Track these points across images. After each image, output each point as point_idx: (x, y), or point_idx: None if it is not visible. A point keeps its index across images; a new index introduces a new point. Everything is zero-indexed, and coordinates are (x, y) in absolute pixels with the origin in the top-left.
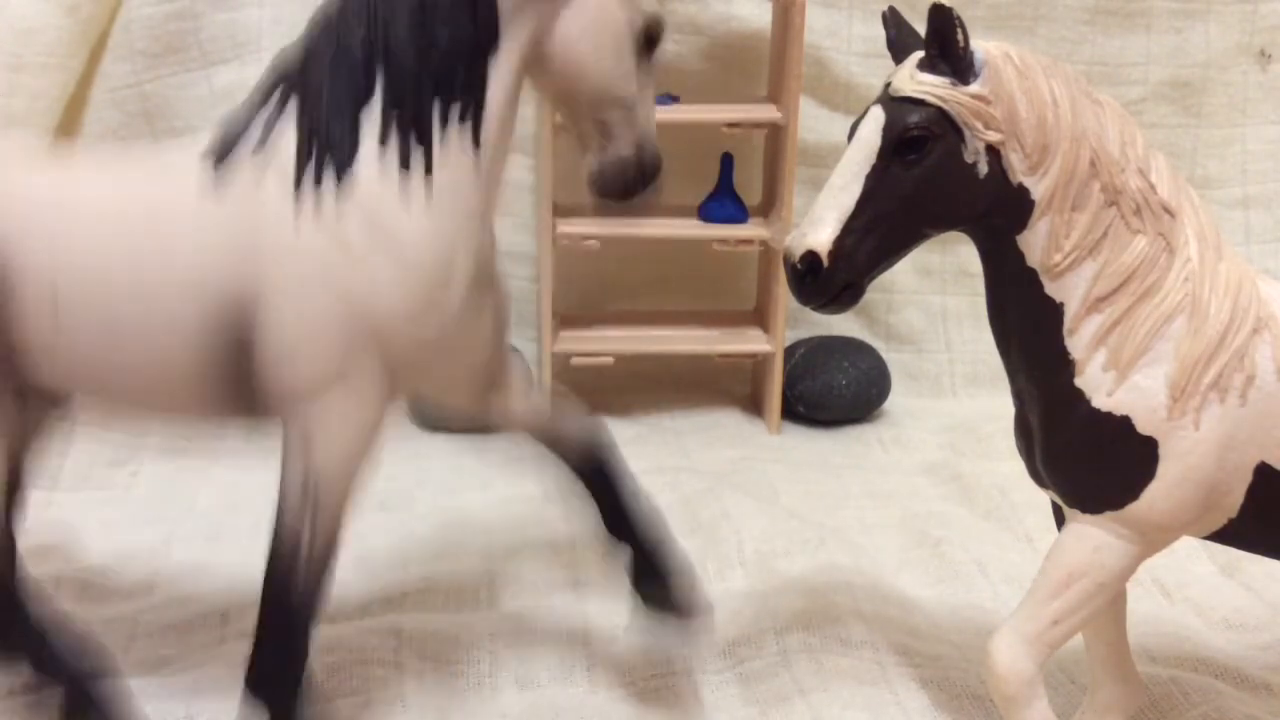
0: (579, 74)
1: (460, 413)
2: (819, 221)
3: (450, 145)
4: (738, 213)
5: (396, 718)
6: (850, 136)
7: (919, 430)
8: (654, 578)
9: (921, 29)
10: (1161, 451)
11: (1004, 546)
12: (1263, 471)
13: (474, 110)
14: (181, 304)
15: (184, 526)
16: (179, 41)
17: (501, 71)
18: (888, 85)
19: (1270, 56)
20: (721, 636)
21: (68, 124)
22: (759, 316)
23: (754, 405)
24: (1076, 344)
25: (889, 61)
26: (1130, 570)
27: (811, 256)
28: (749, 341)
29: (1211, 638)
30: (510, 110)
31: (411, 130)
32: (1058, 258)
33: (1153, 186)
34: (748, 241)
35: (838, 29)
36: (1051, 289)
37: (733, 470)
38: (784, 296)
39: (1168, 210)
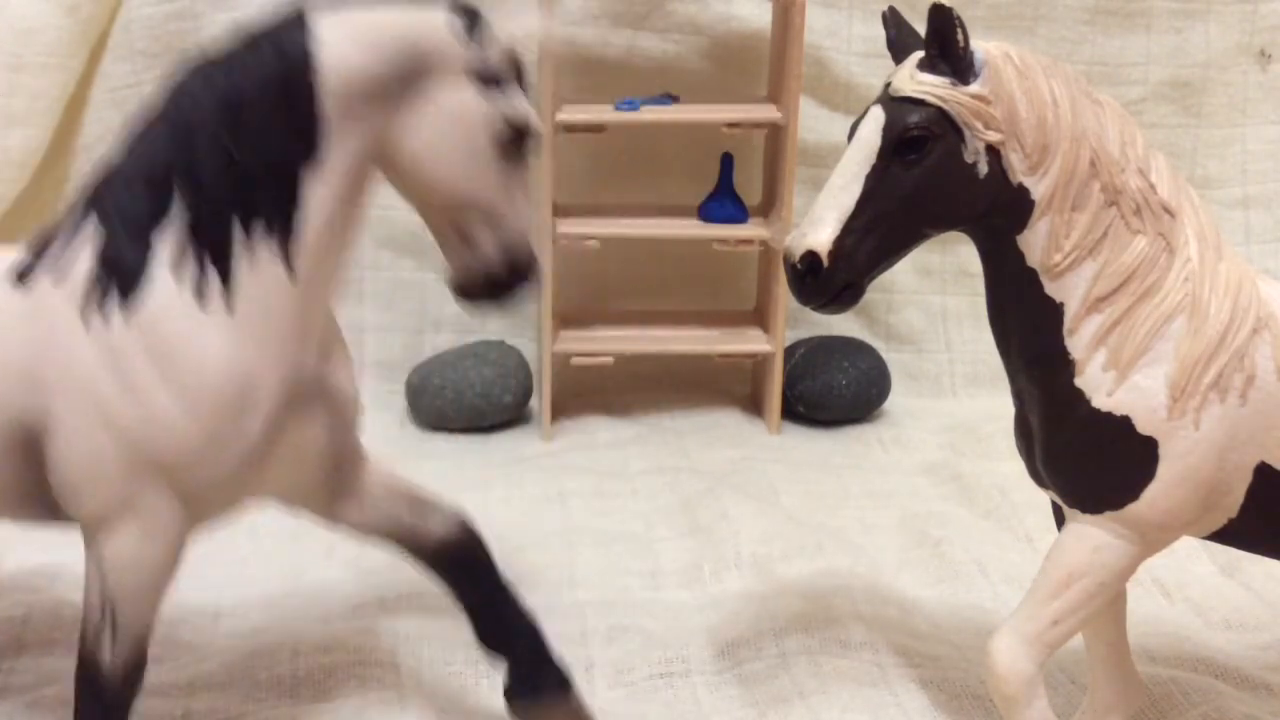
0: (427, 185)
1: (303, 513)
2: (819, 221)
3: (256, 268)
4: (738, 213)
5: (394, 718)
6: (850, 136)
7: (919, 430)
8: (532, 693)
9: (921, 29)
10: (1161, 452)
11: (1004, 546)
12: (1263, 471)
13: (282, 231)
14: None
15: None
16: (179, 41)
17: (323, 186)
18: (888, 85)
19: (1270, 56)
20: (720, 638)
21: (68, 124)
22: (759, 316)
23: (754, 405)
24: (1076, 344)
25: (889, 61)
26: (1130, 570)
27: (811, 256)
28: (749, 341)
29: (1211, 638)
30: (341, 224)
31: (208, 256)
32: (1058, 258)
33: (1153, 186)
34: (748, 241)
35: (838, 29)
36: (1051, 289)
37: (732, 470)
38: (784, 296)
39: (1168, 210)
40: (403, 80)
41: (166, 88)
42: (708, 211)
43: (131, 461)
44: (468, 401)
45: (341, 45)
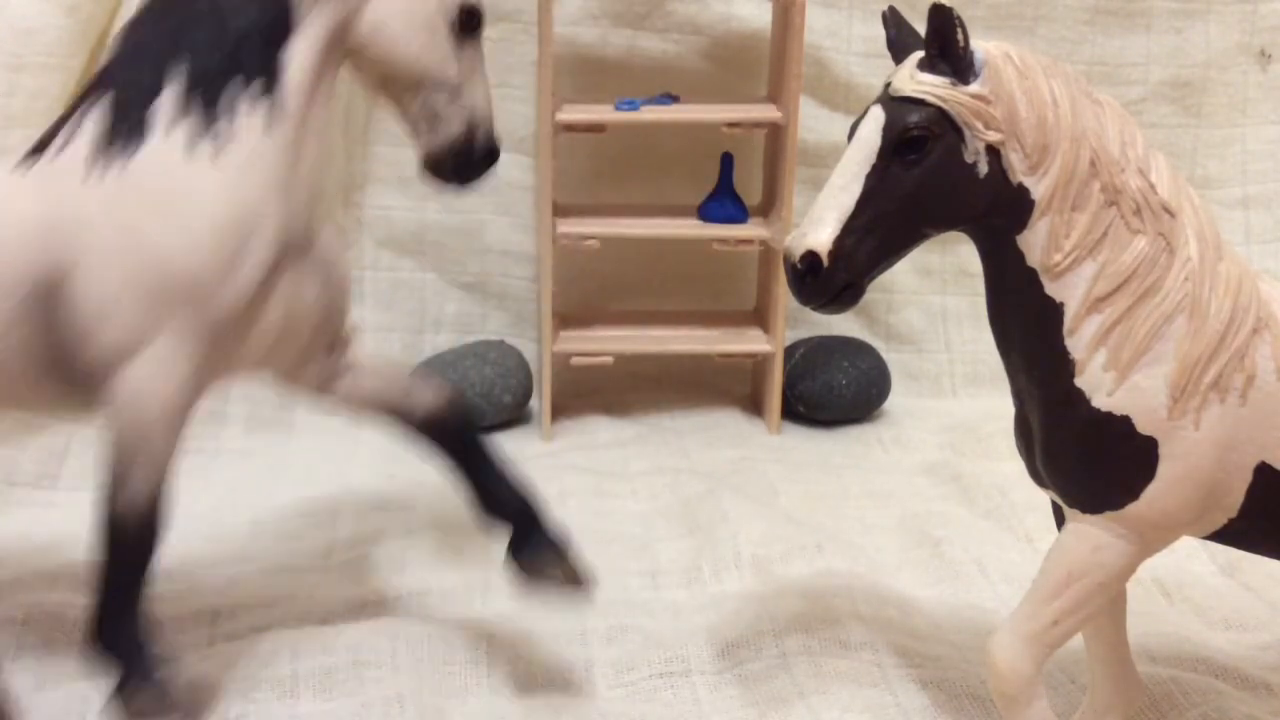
0: (390, 59)
1: (301, 392)
2: (819, 221)
3: (246, 122)
4: (738, 213)
5: (392, 718)
6: (850, 136)
7: (919, 430)
8: (531, 549)
9: (921, 29)
10: (1161, 452)
11: (1004, 546)
12: (1263, 471)
13: (268, 90)
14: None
15: (181, 525)
16: None
17: (301, 52)
18: (888, 85)
19: (1270, 56)
20: (720, 638)
21: None
22: (759, 316)
23: (754, 405)
24: (1076, 344)
25: (889, 61)
26: (1130, 570)
27: (811, 256)
28: (749, 341)
29: (1211, 638)
30: (317, 88)
31: (200, 114)
32: (1058, 258)
33: (1153, 186)
34: (748, 241)
35: (838, 29)
36: (1051, 289)
37: (732, 470)
38: (784, 296)
39: (1168, 210)
40: None
41: None
42: (708, 211)
43: (152, 286)
44: (467, 401)
45: None
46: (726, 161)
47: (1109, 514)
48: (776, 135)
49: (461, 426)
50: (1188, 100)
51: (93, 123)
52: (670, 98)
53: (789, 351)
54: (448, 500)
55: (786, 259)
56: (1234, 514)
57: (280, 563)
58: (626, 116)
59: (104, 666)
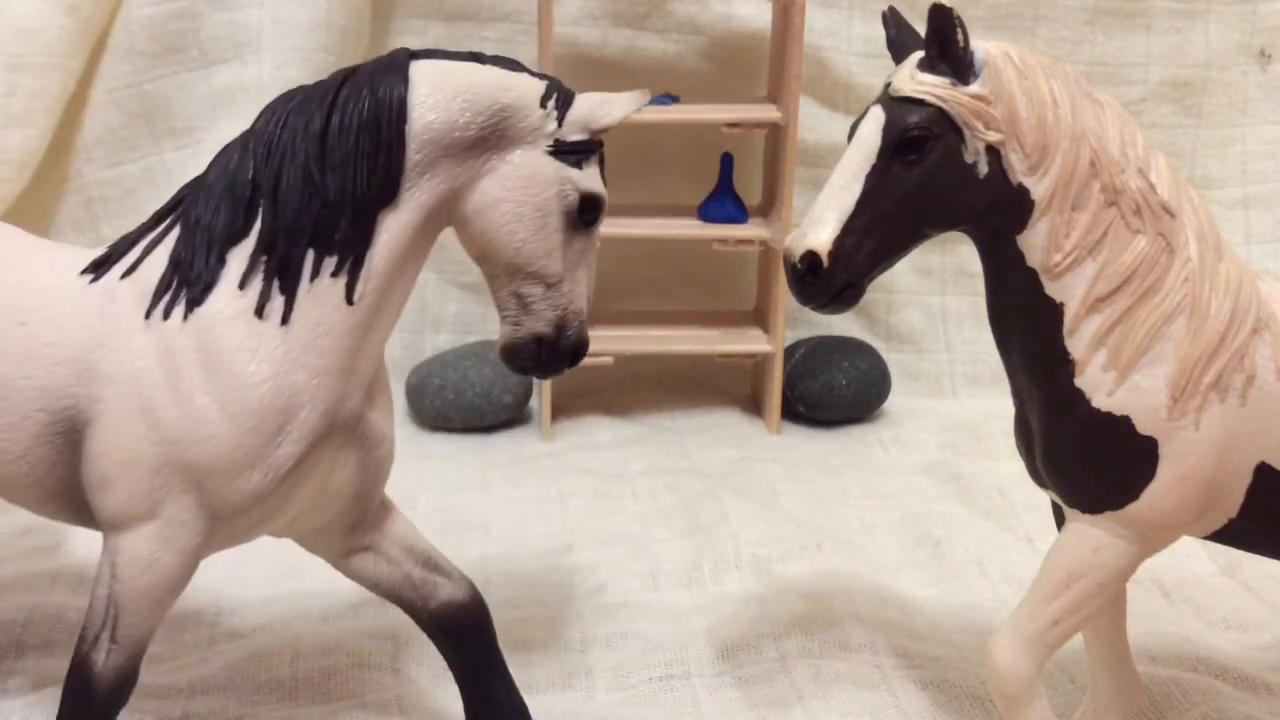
0: (492, 242)
1: (316, 554)
2: (819, 221)
3: (317, 298)
4: (738, 213)
5: (393, 718)
6: (850, 136)
7: (919, 430)
8: None
9: (921, 29)
10: (1161, 452)
11: (1004, 546)
12: (1263, 471)
13: (352, 266)
14: (26, 406)
15: None
16: (179, 42)
17: (395, 227)
18: (888, 85)
19: (1270, 56)
20: (720, 640)
21: (68, 124)
22: (759, 316)
23: (754, 405)
24: (1076, 344)
25: (889, 61)
26: (1130, 570)
27: (812, 256)
28: (749, 341)
29: (1211, 638)
30: (404, 266)
31: (276, 277)
32: (1058, 258)
33: (1153, 186)
34: (748, 241)
35: (838, 29)
36: (1051, 289)
37: (732, 471)
38: (784, 296)
39: (1168, 210)
40: (485, 139)
41: (264, 111)
42: (708, 211)
43: (164, 459)
44: (468, 401)
45: (433, 97)
46: (726, 161)
47: (1109, 514)
48: (776, 135)
49: (474, 633)
50: (1188, 100)
51: (166, 250)
52: (670, 98)
53: (789, 352)
54: (448, 501)
55: (787, 259)
56: (1234, 514)
57: (280, 562)
58: None
59: None
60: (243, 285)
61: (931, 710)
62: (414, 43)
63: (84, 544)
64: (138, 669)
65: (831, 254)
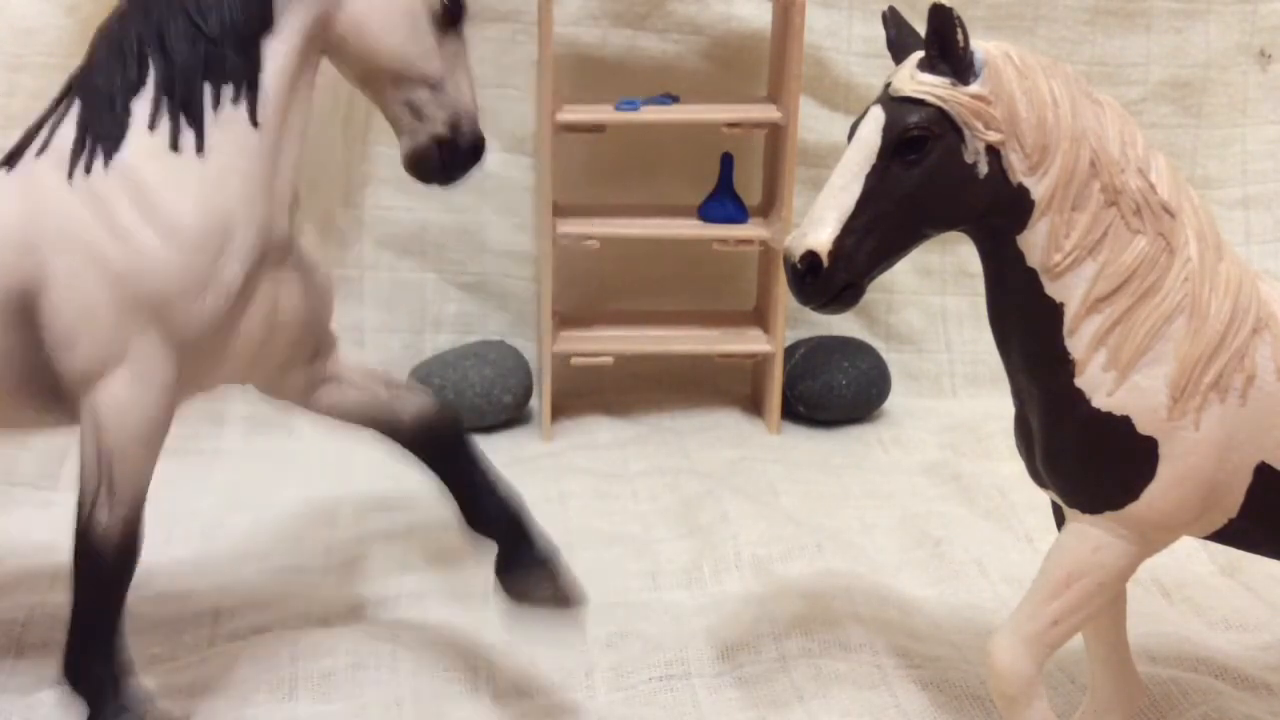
0: (372, 54)
1: (284, 402)
2: (819, 221)
3: (224, 126)
4: (738, 213)
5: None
6: (850, 136)
7: (919, 430)
8: (519, 568)
9: (921, 29)
10: (1161, 452)
11: (1004, 547)
12: (1263, 471)
13: (248, 92)
14: None
15: (182, 526)
16: None
17: (278, 53)
18: (888, 85)
19: (1270, 56)
20: (720, 640)
21: None
22: (759, 316)
23: (754, 405)
24: (1076, 344)
25: (889, 61)
26: (1130, 570)
27: (811, 256)
28: (749, 341)
29: (1211, 638)
30: (296, 87)
31: (181, 114)
32: (1058, 258)
33: (1153, 186)
34: (748, 241)
35: (838, 29)
36: (1051, 289)
37: (732, 471)
38: (784, 296)
39: (1168, 210)
40: None
41: None
42: (707, 211)
43: (121, 301)
44: (467, 401)
45: None
46: (726, 161)
47: (1109, 514)
48: (776, 135)
49: (450, 435)
50: (1188, 100)
51: (73, 120)
52: (670, 98)
53: (789, 352)
54: (447, 501)
55: (786, 259)
56: (1234, 514)
57: (280, 563)
58: (626, 116)
59: (77, 702)
60: (152, 126)
61: (931, 710)
62: None
63: None
64: (141, 525)
65: (831, 254)
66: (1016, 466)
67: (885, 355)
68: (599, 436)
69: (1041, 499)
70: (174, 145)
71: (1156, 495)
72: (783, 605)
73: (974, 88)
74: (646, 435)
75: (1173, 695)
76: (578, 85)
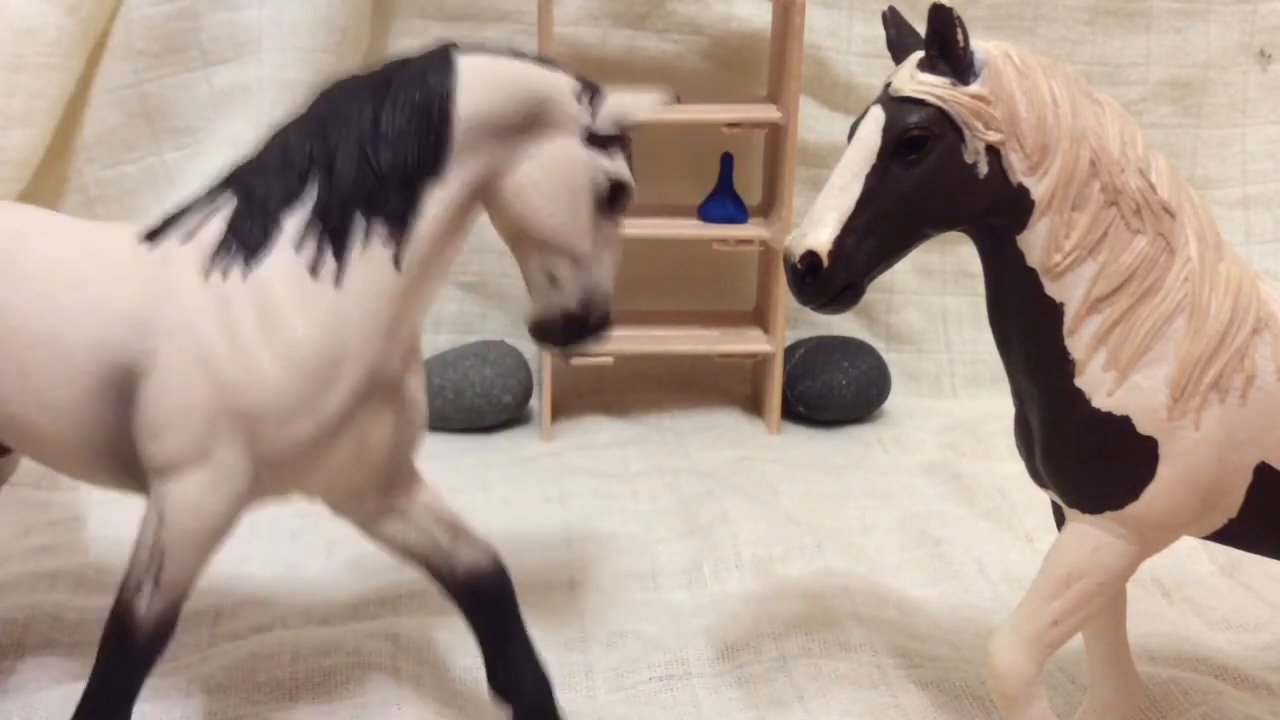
0: (529, 221)
1: (346, 518)
2: (819, 221)
3: (367, 262)
4: (738, 213)
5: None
6: (850, 136)
7: (919, 430)
8: None
9: (921, 29)
10: (1161, 452)
11: (1004, 546)
12: (1263, 471)
13: (401, 234)
14: (81, 361)
15: None
16: (179, 41)
17: (440, 201)
18: (888, 85)
19: (1270, 56)
20: (720, 640)
21: (68, 124)
22: (759, 316)
23: (754, 405)
24: (1076, 344)
25: (889, 61)
26: (1130, 570)
27: (811, 256)
28: (749, 341)
29: (1211, 637)
30: (447, 238)
31: (330, 241)
32: (1058, 258)
33: (1153, 186)
34: (748, 241)
35: (838, 29)
36: (1051, 289)
37: (732, 471)
38: (784, 296)
39: (1168, 210)
40: (525, 125)
41: (318, 97)
42: (708, 211)
43: (218, 407)
44: (467, 401)
45: (480, 85)
46: (726, 161)
47: (1109, 514)
48: (776, 135)
49: (497, 595)
50: (1188, 100)
51: (224, 217)
52: None
53: (789, 352)
54: (448, 500)
55: (786, 259)
56: (1234, 514)
57: (280, 563)
58: None
59: None
60: (298, 248)
61: (931, 710)
62: (415, 43)
63: (85, 547)
64: (177, 617)
65: (831, 254)
66: (1016, 466)
67: (885, 355)
68: (599, 436)
69: (1041, 499)
70: (313, 270)
71: (1157, 495)
72: (783, 605)
73: (974, 88)
74: (646, 435)
75: (1173, 695)
76: None
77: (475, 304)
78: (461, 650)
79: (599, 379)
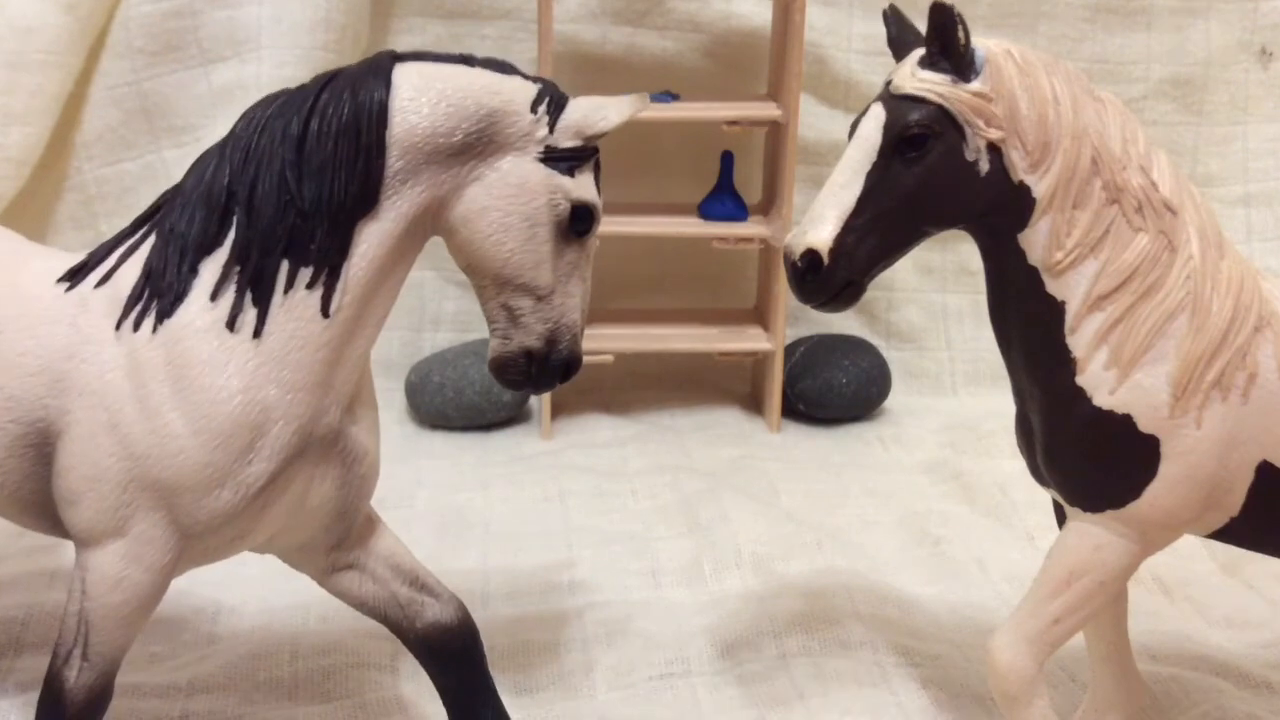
0: (479, 253)
1: (301, 572)
2: (820, 219)
3: (291, 311)
4: (738, 211)
5: (392, 718)
6: (851, 134)
7: (919, 428)
8: None
9: (923, 27)
10: (1163, 450)
11: (1004, 545)
12: (1265, 470)
13: (328, 277)
14: None
15: None
16: (178, 39)
17: (374, 237)
18: (888, 83)
19: (1271, 54)
20: (720, 639)
21: (66, 122)
22: (759, 315)
23: (754, 403)
24: (1078, 342)
25: (890, 59)
26: (1132, 569)
27: (812, 254)
28: (749, 340)
29: (1212, 636)
30: (384, 277)
31: (249, 289)
32: (1059, 256)
33: (1154, 184)
34: (748, 240)
35: (838, 26)
36: (1053, 287)
37: (732, 469)
38: (784, 295)
39: (1169, 208)
40: (471, 145)
41: (243, 115)
42: (708, 209)
43: (130, 475)
44: (467, 400)
45: (416, 101)
46: (726, 160)
47: (1111, 512)
48: (777, 133)
49: (459, 653)
50: (1189, 98)
51: (141, 259)
52: (670, 96)
53: (789, 350)
54: (447, 499)
55: (787, 257)
56: (1236, 513)
57: (279, 563)
58: None
59: None
60: (214, 296)
61: (932, 708)
62: (413, 42)
63: None
64: (111, 686)
65: (832, 252)
66: (1017, 464)
67: (886, 353)
68: (599, 435)
69: (1042, 497)
70: (230, 324)
71: (1159, 493)
72: (783, 603)
73: (975, 85)
74: (646, 433)
75: (1174, 694)
76: (577, 83)
77: (474, 302)
78: None
79: (599, 377)
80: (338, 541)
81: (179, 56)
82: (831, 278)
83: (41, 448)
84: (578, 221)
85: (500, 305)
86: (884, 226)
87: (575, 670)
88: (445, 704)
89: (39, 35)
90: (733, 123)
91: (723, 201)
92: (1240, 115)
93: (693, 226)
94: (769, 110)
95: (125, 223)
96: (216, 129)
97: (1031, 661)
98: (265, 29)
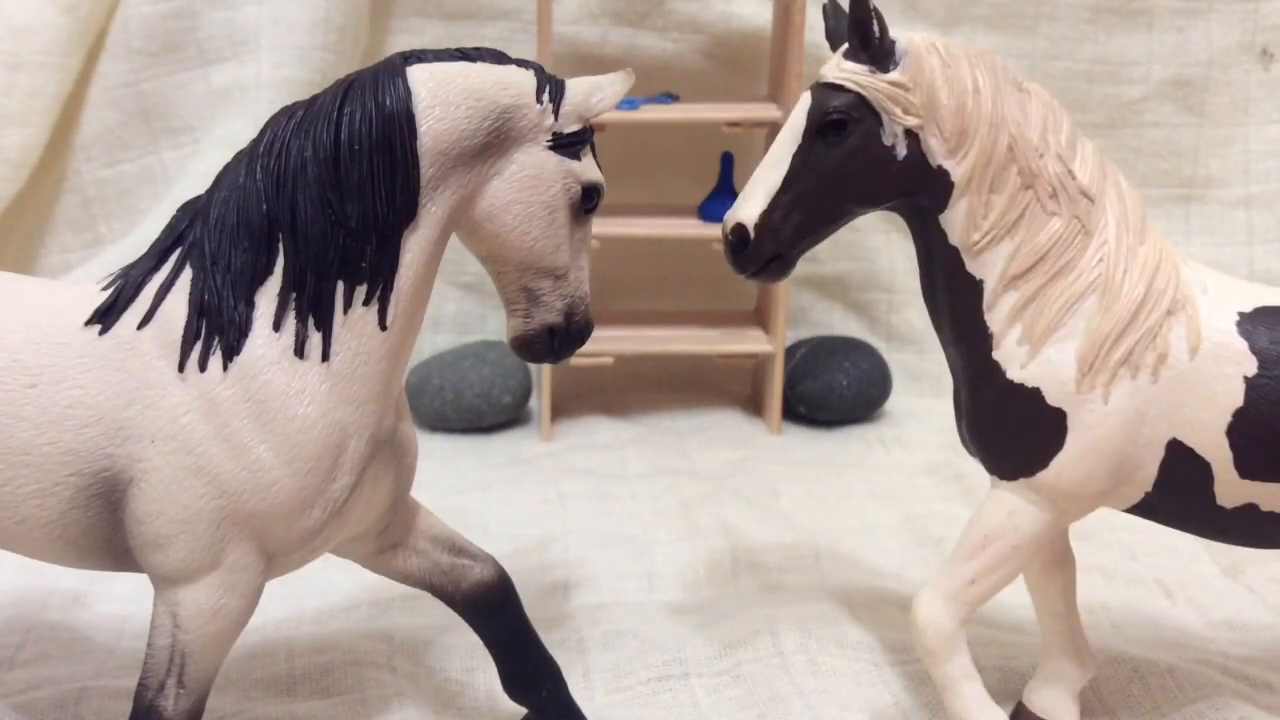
0: (504, 243)
1: (347, 559)
2: (749, 197)
3: (352, 328)
4: None
5: (391, 714)
6: None
7: (920, 430)
8: None
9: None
10: (1070, 423)
11: None
12: (1175, 447)
13: (382, 292)
14: (56, 473)
15: None
16: (176, 40)
17: (417, 246)
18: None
19: (1272, 55)
20: (718, 640)
21: (65, 123)
22: (760, 316)
23: (754, 405)
24: (995, 318)
25: None
26: (1044, 536)
27: (740, 229)
28: (750, 342)
29: (1213, 636)
30: (426, 283)
31: (310, 315)
32: (976, 236)
33: (1071, 172)
34: None
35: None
36: (972, 266)
37: (733, 471)
38: (785, 297)
39: (1086, 195)
40: (490, 143)
41: (262, 132)
42: (708, 211)
43: (224, 513)
44: (467, 402)
45: (438, 107)
46: (727, 161)
47: (1023, 480)
48: (777, 134)
49: (501, 603)
50: (1190, 99)
51: (183, 292)
52: (670, 97)
53: (790, 352)
54: (446, 501)
55: (722, 231)
56: (1149, 488)
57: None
58: (626, 116)
59: None
60: (277, 326)
61: (930, 707)
62: (413, 42)
63: None
64: (204, 706)
65: (758, 227)
66: None
67: (886, 355)
68: (598, 437)
69: None
70: (299, 351)
71: (1065, 464)
72: (782, 604)
73: (894, 75)
74: (646, 435)
75: (1169, 686)
76: None
77: (474, 304)
78: (457, 651)
79: (599, 379)
80: (386, 526)
81: (178, 57)
82: (759, 251)
83: (109, 496)
84: (587, 200)
85: (521, 288)
86: (808, 204)
87: (573, 672)
88: (495, 656)
89: (37, 36)
90: (733, 124)
91: (723, 203)
92: (1241, 117)
93: (693, 228)
94: (769, 111)
95: (124, 225)
96: (215, 130)
97: (949, 619)
98: (264, 29)
